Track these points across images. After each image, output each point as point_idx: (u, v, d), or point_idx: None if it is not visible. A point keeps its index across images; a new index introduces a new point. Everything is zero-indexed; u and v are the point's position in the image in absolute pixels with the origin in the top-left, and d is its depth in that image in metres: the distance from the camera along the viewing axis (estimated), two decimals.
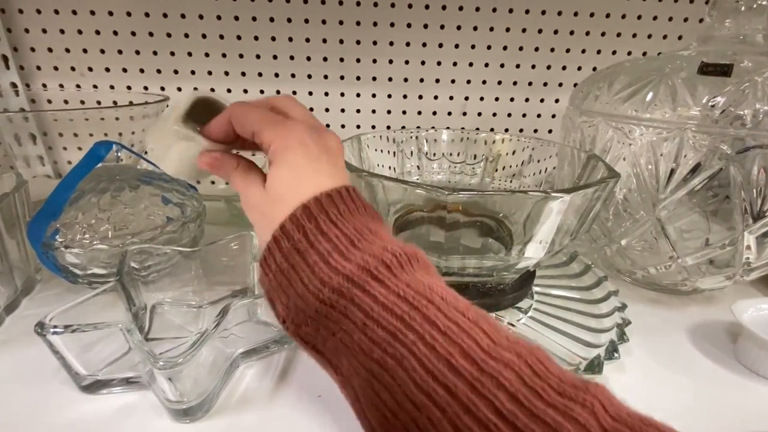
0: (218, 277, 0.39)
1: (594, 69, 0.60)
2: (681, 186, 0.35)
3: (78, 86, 0.60)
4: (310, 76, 0.60)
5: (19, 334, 0.34)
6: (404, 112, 0.62)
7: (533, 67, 0.60)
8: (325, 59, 0.58)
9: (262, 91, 0.60)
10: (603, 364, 0.30)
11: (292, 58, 0.58)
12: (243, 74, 0.59)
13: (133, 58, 0.58)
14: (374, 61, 0.59)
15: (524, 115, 0.63)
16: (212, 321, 0.27)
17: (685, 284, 0.40)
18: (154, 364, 0.24)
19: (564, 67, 0.60)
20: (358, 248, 0.20)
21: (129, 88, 0.60)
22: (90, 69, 0.59)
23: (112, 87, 0.60)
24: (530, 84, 0.61)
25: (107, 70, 0.59)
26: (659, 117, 0.35)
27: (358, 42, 0.57)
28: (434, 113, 0.63)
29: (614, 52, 0.59)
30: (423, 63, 0.59)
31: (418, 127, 0.58)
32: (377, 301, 0.18)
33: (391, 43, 0.58)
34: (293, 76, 0.59)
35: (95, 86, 0.60)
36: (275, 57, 0.58)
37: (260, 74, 0.59)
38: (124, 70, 0.59)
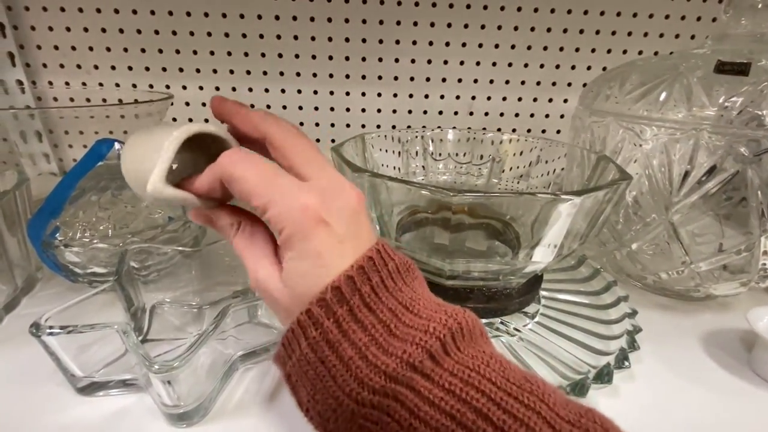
0: (220, 278, 0.38)
1: (604, 68, 0.59)
2: (695, 189, 0.34)
3: (84, 84, 0.60)
4: (315, 75, 0.59)
5: (16, 333, 0.33)
6: (410, 112, 0.62)
7: (542, 66, 0.59)
8: (330, 58, 0.58)
9: (266, 90, 0.60)
10: (613, 373, 0.29)
11: (297, 56, 0.58)
12: (248, 72, 0.59)
13: (139, 56, 0.58)
14: (380, 59, 0.58)
15: (532, 115, 0.62)
16: (211, 322, 0.27)
17: (698, 290, 0.39)
18: (149, 367, 0.23)
19: (573, 67, 0.59)
20: (396, 336, 0.18)
21: (134, 86, 0.60)
22: (96, 67, 0.59)
23: (117, 85, 0.60)
24: (538, 83, 0.60)
25: (113, 68, 0.59)
26: (673, 117, 0.34)
27: (363, 40, 0.57)
28: (440, 113, 0.62)
29: (625, 52, 0.58)
30: (429, 62, 0.59)
31: (424, 127, 0.57)
32: (423, 397, 0.16)
33: (397, 42, 0.57)
34: (298, 74, 0.59)
35: (101, 84, 0.60)
36: (280, 55, 0.58)
37: (265, 72, 0.59)
38: (130, 68, 0.59)
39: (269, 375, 0.31)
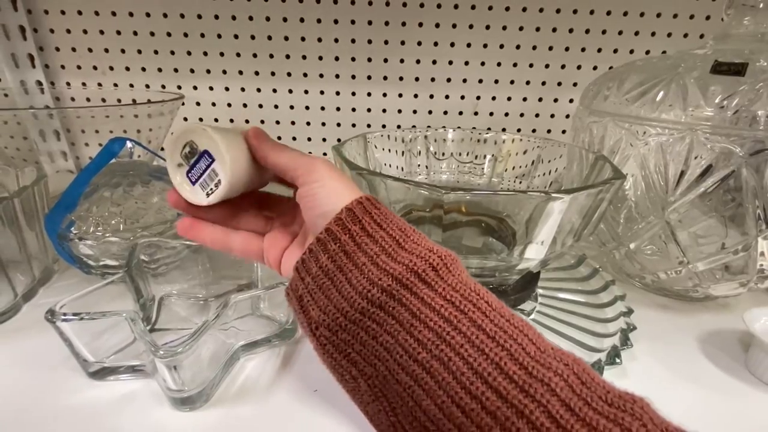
0: (225, 272, 0.40)
1: (610, 68, 0.59)
2: (691, 188, 0.34)
3: (99, 84, 0.62)
4: (321, 76, 0.60)
5: (34, 321, 0.35)
6: (415, 112, 0.62)
7: (547, 66, 0.59)
8: (336, 59, 0.59)
9: (274, 90, 0.61)
10: (604, 369, 0.30)
11: (304, 57, 0.59)
12: (256, 73, 0.60)
13: (152, 57, 0.60)
14: (385, 60, 0.59)
15: (537, 115, 0.62)
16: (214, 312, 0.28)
17: (696, 290, 0.39)
18: (155, 353, 0.25)
19: (579, 67, 0.59)
20: (404, 249, 0.20)
21: (147, 86, 0.62)
22: (111, 68, 0.61)
23: (131, 85, 0.62)
24: (544, 84, 0.60)
25: (127, 69, 0.61)
26: (670, 117, 0.34)
27: (369, 41, 0.58)
28: (445, 113, 0.63)
29: (632, 51, 0.58)
30: (434, 62, 0.59)
31: (428, 127, 0.58)
32: (424, 302, 0.18)
33: (402, 42, 0.58)
34: (305, 75, 0.60)
35: (116, 84, 0.62)
36: (288, 57, 0.59)
37: (273, 73, 0.60)
38: (143, 69, 0.61)
39: (269, 365, 0.32)
